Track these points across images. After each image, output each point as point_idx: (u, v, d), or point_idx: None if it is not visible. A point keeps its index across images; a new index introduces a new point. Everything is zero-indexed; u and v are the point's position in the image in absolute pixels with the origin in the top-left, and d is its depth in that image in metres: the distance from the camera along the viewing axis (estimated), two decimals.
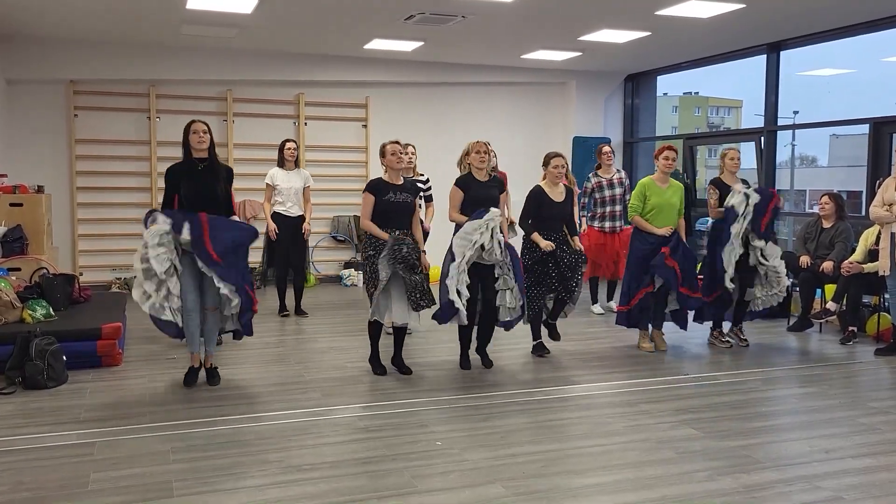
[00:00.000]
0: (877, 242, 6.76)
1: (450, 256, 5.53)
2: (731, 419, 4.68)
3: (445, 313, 5.49)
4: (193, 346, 5.21)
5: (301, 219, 7.68)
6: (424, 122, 10.87)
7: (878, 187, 6.63)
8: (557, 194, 6.13)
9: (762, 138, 9.48)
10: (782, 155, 31.00)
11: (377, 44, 9.22)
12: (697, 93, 49.01)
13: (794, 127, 15.14)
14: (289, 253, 7.67)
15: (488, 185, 5.80)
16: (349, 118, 10.60)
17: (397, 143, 5.59)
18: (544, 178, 6.19)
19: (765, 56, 9.30)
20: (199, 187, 5.09)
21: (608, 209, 8.05)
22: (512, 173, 8.08)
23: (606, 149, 8.20)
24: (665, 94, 43.55)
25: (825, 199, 7.46)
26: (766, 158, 9.40)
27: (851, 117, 8.93)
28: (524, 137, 11.19)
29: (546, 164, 6.20)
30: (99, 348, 5.71)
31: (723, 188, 6.58)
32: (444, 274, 5.50)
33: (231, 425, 4.45)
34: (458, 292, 5.38)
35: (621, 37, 8.72)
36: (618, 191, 8.08)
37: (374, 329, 5.65)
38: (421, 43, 9.14)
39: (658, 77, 11.59)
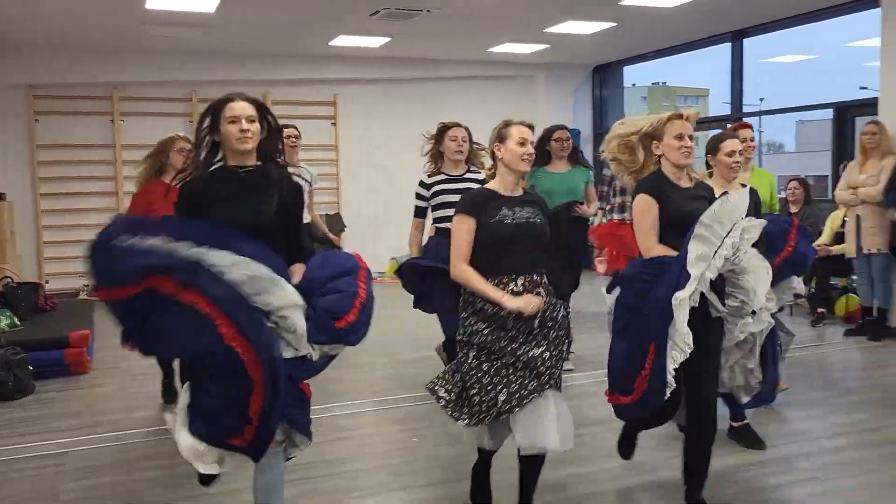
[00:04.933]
0: (843, 225, 6.86)
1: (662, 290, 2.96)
2: None
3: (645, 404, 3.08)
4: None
5: (307, 227, 5.56)
6: (394, 119, 10.82)
7: (843, 171, 6.72)
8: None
9: (729, 126, 9.55)
10: None
11: (343, 40, 9.15)
12: (665, 83, 49.44)
13: (760, 114, 15.29)
14: None
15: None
16: (318, 116, 10.50)
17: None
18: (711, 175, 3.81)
19: (729, 44, 9.37)
20: (237, 212, 2.72)
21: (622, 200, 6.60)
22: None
23: None
24: (633, 84, 43.88)
25: (794, 184, 7.53)
26: None
27: (815, 102, 8.98)
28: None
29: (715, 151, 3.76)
30: (66, 357, 5.60)
31: None
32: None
33: None
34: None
35: (587, 28, 8.73)
36: None
37: (483, 469, 3.21)
38: (388, 39, 9.09)
39: (625, 68, 11.64)
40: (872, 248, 6.30)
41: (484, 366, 2.89)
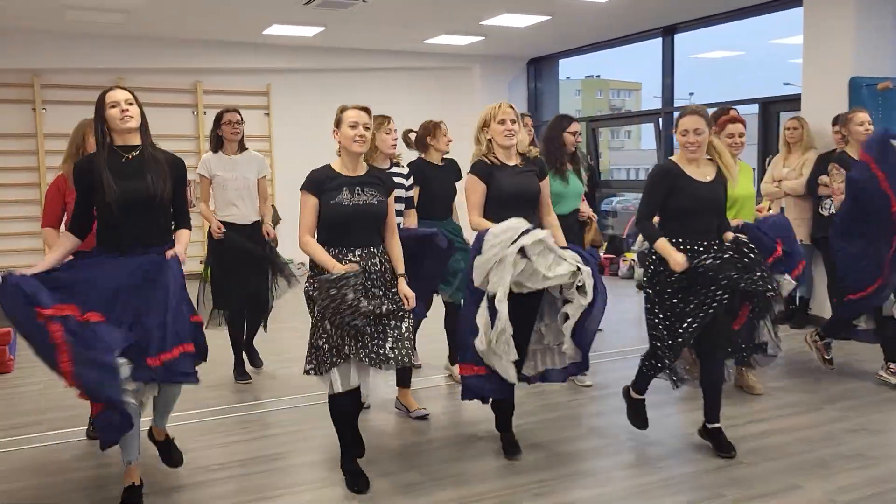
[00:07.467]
0: None
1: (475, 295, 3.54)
2: None
3: (485, 386, 3.60)
4: (131, 452, 3.24)
5: (257, 226, 5.08)
6: (328, 110, 10.56)
7: (769, 164, 6.94)
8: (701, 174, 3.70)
9: (661, 120, 9.76)
10: None
11: (276, 29, 8.99)
12: (599, 76, 50.25)
13: None
14: (245, 274, 5.00)
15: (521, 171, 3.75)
16: (251, 106, 10.28)
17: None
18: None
19: (660, 39, 9.57)
20: (127, 190, 3.14)
21: None
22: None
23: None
24: (568, 77, 44.46)
25: None
26: (665, 140, 9.69)
27: (741, 98, 9.22)
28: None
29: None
30: None
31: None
32: (472, 325, 3.52)
33: None
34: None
35: (522, 21, 8.79)
36: None
37: (342, 408, 3.46)
38: (322, 28, 8.96)
39: (560, 61, 11.76)
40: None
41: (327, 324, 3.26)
